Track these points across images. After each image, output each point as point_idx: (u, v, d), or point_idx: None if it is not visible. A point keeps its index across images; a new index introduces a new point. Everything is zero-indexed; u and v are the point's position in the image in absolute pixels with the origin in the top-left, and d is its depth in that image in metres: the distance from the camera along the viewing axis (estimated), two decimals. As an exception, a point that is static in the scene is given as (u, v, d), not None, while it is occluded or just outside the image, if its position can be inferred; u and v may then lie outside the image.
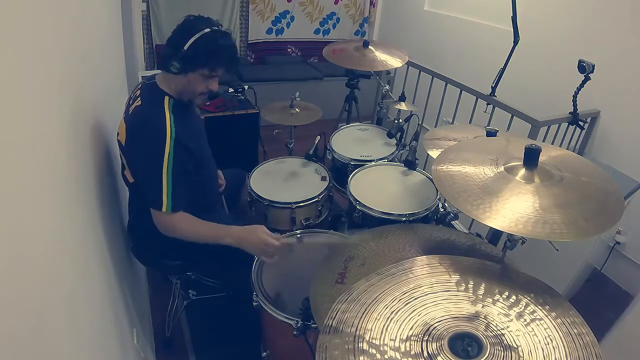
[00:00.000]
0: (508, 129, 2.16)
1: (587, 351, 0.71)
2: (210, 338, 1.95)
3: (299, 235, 1.57)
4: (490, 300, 0.82)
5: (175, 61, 1.29)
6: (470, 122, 2.44)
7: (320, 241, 1.30)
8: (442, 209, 1.58)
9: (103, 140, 1.40)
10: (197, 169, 1.43)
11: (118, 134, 1.40)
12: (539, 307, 0.80)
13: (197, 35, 1.28)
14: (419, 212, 1.54)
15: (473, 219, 1.24)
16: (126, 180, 1.45)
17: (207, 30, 1.30)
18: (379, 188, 1.73)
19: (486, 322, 0.77)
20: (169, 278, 1.85)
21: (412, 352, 0.72)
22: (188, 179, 1.37)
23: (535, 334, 0.75)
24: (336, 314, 0.81)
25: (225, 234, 1.37)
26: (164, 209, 1.30)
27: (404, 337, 0.75)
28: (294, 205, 1.75)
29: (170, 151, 1.28)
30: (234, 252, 1.39)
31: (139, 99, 1.37)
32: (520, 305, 0.81)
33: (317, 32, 4.71)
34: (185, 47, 1.28)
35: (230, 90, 2.74)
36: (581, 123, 2.22)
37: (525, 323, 0.77)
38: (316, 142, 2.08)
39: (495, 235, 1.62)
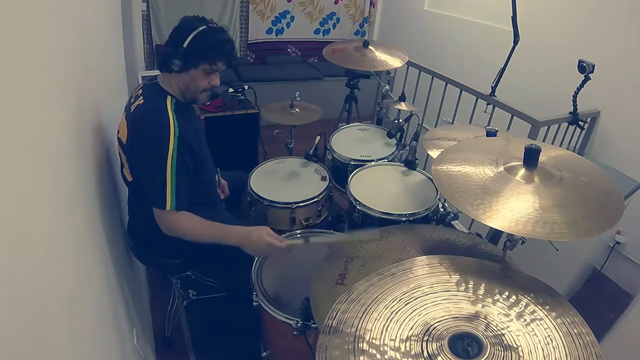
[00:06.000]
0: (508, 129, 2.16)
1: (587, 351, 0.71)
2: (210, 338, 1.95)
3: (302, 235, 1.57)
4: (490, 300, 0.82)
5: (177, 59, 1.32)
6: (470, 122, 2.44)
7: (327, 241, 1.32)
8: (442, 209, 1.58)
9: (103, 140, 1.40)
10: (198, 168, 1.43)
11: (118, 131, 1.40)
12: (539, 307, 0.80)
13: (195, 32, 1.31)
14: (419, 212, 1.54)
15: (473, 219, 1.24)
16: (125, 178, 1.45)
17: (204, 27, 1.33)
18: (379, 188, 1.73)
19: (486, 322, 0.77)
20: (169, 278, 1.85)
21: (412, 352, 0.72)
22: (190, 178, 1.38)
23: (535, 334, 0.75)
24: (336, 314, 0.81)
25: (228, 234, 1.37)
26: (167, 207, 1.30)
27: (404, 337, 0.75)
28: (294, 205, 1.75)
29: (174, 149, 1.29)
30: (234, 252, 1.39)
31: (141, 97, 1.38)
32: (520, 305, 0.81)
33: (317, 32, 4.71)
34: (185, 45, 1.30)
35: (230, 90, 2.74)
36: (581, 123, 2.22)
37: (525, 323, 0.77)
38: (316, 142, 2.08)
39: (495, 235, 1.63)
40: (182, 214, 1.33)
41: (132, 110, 1.36)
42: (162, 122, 1.31)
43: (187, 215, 1.34)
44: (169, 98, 1.37)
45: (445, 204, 1.59)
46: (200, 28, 1.32)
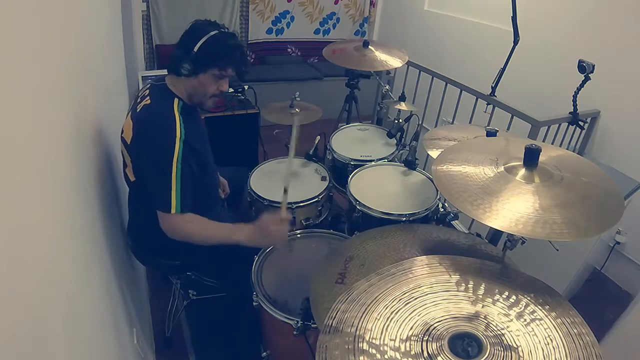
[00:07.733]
0: (508, 129, 2.16)
1: (587, 351, 0.71)
2: (210, 338, 1.95)
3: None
4: (490, 300, 0.82)
5: (186, 63, 1.31)
6: (470, 122, 2.43)
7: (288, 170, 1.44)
8: (442, 209, 1.58)
9: (103, 140, 1.40)
10: (201, 171, 1.43)
11: (123, 131, 1.39)
12: (539, 307, 0.80)
13: (206, 37, 1.30)
14: (419, 212, 1.54)
15: (473, 219, 1.24)
16: (127, 178, 1.45)
17: (215, 32, 1.32)
18: (379, 188, 1.73)
19: (486, 322, 0.77)
20: (169, 278, 1.85)
21: (412, 352, 0.72)
22: (194, 180, 1.37)
23: (535, 334, 0.75)
24: (336, 313, 0.81)
25: (235, 233, 1.34)
26: (173, 210, 1.28)
27: (404, 337, 0.75)
28: (294, 205, 1.75)
29: (179, 152, 1.28)
30: (234, 252, 1.39)
31: (148, 97, 1.37)
32: (520, 305, 0.81)
33: (317, 32, 4.71)
34: (195, 49, 1.30)
35: (230, 90, 2.74)
36: (581, 123, 2.22)
37: (525, 323, 0.77)
38: (316, 142, 2.08)
39: (495, 235, 1.63)
40: (187, 216, 1.31)
41: (138, 110, 1.35)
42: (168, 124, 1.30)
43: (192, 217, 1.32)
44: (176, 100, 1.37)
45: (445, 204, 1.59)
46: (212, 33, 1.31)
